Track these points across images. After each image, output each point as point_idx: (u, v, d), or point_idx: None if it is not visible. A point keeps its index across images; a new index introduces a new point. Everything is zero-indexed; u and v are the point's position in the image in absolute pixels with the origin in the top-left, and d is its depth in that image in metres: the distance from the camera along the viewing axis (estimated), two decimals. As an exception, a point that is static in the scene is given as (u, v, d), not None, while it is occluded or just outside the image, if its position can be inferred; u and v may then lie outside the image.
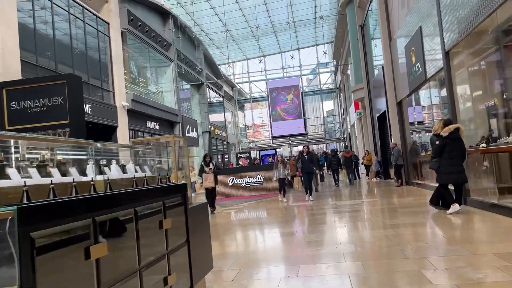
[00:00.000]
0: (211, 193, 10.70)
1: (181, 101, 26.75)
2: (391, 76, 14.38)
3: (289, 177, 13.74)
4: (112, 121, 16.78)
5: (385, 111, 16.93)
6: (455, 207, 6.65)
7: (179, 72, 24.77)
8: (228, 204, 13.06)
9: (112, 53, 17.41)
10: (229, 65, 29.86)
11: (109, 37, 17.40)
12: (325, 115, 45.41)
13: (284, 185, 12.38)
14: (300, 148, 46.16)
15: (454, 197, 6.82)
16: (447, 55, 7.83)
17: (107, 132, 17.07)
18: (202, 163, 10.62)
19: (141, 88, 20.95)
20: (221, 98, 36.29)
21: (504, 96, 6.89)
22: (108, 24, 17.41)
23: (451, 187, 7.08)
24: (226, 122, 37.74)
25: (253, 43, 37.69)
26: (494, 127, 7.18)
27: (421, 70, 10.57)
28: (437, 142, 6.77)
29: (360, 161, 20.94)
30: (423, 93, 11.74)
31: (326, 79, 44.28)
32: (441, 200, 7.14)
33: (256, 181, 15.22)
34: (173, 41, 24.13)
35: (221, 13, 28.61)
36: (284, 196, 12.23)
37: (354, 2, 21.02)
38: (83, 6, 15.63)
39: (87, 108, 14.79)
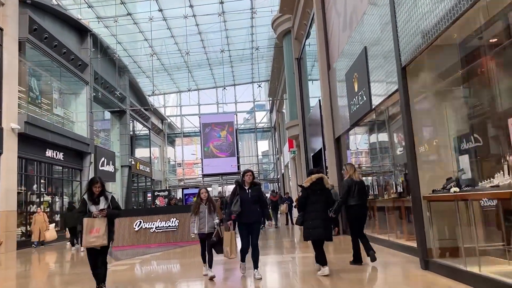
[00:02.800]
0: (99, 256, 5.61)
1: (95, 129, 23.65)
2: (329, 109, 12.76)
3: (219, 232, 6.71)
4: (-8, 146, 13.51)
5: (321, 149, 15.29)
6: (325, 270, 5.96)
7: (95, 96, 21.85)
8: (123, 256, 10.27)
9: (3, 63, 14.36)
10: (153, 92, 27.21)
11: (1, 45, 14.40)
12: (260, 155, 43.82)
13: (210, 247, 6.59)
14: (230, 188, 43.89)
15: (319, 256, 6.14)
16: (403, 71, 6.10)
17: (-14, 160, 13.72)
18: (85, 197, 5.76)
19: (44, 110, 17.78)
20: (148, 131, 33.38)
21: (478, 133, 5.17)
22: (2, 30, 14.46)
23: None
24: (152, 157, 34.67)
25: (187, 75, 35.68)
26: (465, 166, 5.40)
27: (365, 98, 8.90)
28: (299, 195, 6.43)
29: (293, 204, 19.01)
30: (366, 126, 10.06)
31: (261, 117, 43.07)
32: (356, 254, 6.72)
33: (169, 225, 12.56)
34: (91, 61, 21.36)
35: (150, 39, 26.33)
36: (210, 267, 6.52)
37: (292, 34, 19.79)
38: (-37, 3, 12.67)
39: (-47, 126, 11.55)
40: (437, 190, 5.56)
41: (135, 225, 12.51)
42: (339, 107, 11.99)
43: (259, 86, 27.94)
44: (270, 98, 34.61)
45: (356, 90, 9.56)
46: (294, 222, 10.52)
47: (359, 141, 11.23)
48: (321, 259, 6.07)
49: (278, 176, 37.70)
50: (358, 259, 6.72)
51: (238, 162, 39.54)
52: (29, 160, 16.07)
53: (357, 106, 9.56)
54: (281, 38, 21.19)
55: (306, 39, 18.20)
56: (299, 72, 19.23)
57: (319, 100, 14.74)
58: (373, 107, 8.48)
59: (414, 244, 7.17)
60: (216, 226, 6.58)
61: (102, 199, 5.76)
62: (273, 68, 26.94)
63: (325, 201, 6.15)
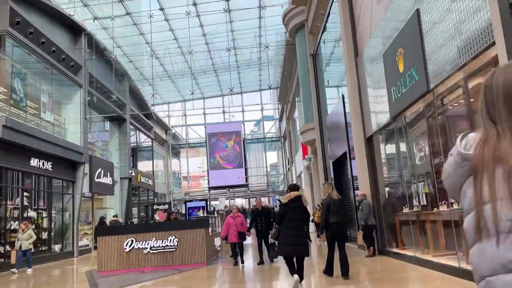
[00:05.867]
0: None
1: (93, 140, 21.76)
2: (358, 103, 10.65)
3: None
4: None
5: (344, 153, 13.15)
6: (294, 278, 6.10)
7: (90, 101, 19.93)
8: (106, 285, 8.13)
9: (-23, 59, 12.49)
10: (153, 95, 25.30)
11: (-25, 37, 12.55)
12: (268, 167, 41.54)
13: None
14: (239, 202, 41.61)
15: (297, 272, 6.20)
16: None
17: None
18: None
19: (29, 115, 15.86)
20: (151, 142, 31.40)
21: None
22: (-24, 21, 12.63)
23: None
24: (156, 169, 32.65)
25: (191, 82, 33.79)
26: None
27: (417, 78, 6.79)
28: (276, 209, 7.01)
29: (311, 218, 16.79)
30: (418, 112, 7.88)
31: (269, 127, 40.98)
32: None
33: (167, 245, 10.41)
34: (85, 63, 19.50)
35: (151, 42, 24.50)
36: None
37: (305, 28, 17.83)
38: None
39: None
40: None
41: (126, 245, 10.37)
42: (372, 99, 9.89)
43: (270, 87, 25.93)
44: (280, 103, 32.61)
45: (401, 71, 7.46)
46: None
47: (401, 138, 9.10)
48: (291, 270, 6.14)
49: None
50: (330, 270, 7.13)
51: (246, 173, 37.42)
52: (9, 171, 14.08)
53: (403, 91, 7.45)
54: (293, 34, 19.23)
55: (322, 32, 16.24)
56: (315, 70, 17.21)
57: (343, 96, 12.68)
58: (431, 87, 6.36)
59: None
60: None
61: None
62: (283, 70, 24.97)
63: (301, 218, 6.31)
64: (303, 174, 24.59)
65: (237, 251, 9.95)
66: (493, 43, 4.41)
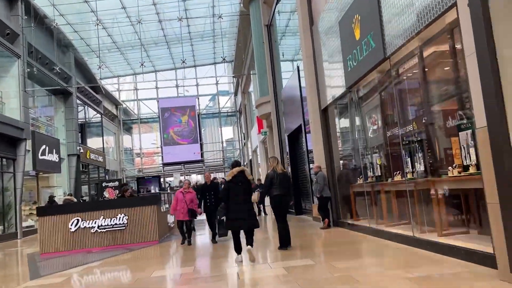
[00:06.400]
0: None
1: (37, 116, 20.40)
2: (313, 74, 10.40)
3: None
4: None
5: (299, 126, 13.01)
6: (238, 258, 6.39)
7: (30, 73, 18.50)
8: (47, 268, 7.57)
9: None
10: (100, 67, 24.00)
11: None
12: (224, 142, 41.09)
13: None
14: (194, 178, 41.14)
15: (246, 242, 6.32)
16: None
17: None
18: None
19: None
20: (100, 117, 29.94)
21: None
22: None
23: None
24: (106, 145, 31.35)
25: (142, 54, 32.30)
26: None
27: (374, 45, 6.59)
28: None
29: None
30: (371, 84, 7.75)
31: (225, 102, 40.33)
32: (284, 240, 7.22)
33: (116, 223, 9.90)
34: (23, 31, 17.98)
35: (96, 11, 22.99)
36: None
37: (259, -2, 17.29)
38: None
39: None
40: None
41: (71, 225, 9.76)
42: (326, 70, 9.69)
43: (224, 60, 25.29)
44: (235, 76, 32.04)
45: (357, 38, 7.23)
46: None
47: (357, 109, 8.99)
48: (236, 248, 6.40)
49: (245, 163, 35.34)
50: (283, 244, 7.19)
51: (201, 149, 36.89)
52: None
53: (360, 59, 7.24)
54: (247, 4, 18.63)
55: (277, 3, 15.80)
56: (270, 41, 16.81)
57: (297, 67, 12.42)
58: (388, 54, 6.18)
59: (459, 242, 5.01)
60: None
61: None
62: (238, 42, 24.35)
63: (246, 192, 6.46)
64: (258, 148, 24.44)
65: (186, 230, 9.34)
66: (455, 4, 4.21)
